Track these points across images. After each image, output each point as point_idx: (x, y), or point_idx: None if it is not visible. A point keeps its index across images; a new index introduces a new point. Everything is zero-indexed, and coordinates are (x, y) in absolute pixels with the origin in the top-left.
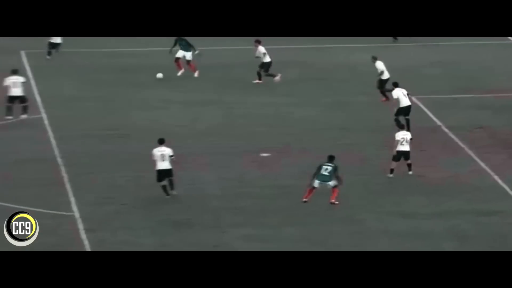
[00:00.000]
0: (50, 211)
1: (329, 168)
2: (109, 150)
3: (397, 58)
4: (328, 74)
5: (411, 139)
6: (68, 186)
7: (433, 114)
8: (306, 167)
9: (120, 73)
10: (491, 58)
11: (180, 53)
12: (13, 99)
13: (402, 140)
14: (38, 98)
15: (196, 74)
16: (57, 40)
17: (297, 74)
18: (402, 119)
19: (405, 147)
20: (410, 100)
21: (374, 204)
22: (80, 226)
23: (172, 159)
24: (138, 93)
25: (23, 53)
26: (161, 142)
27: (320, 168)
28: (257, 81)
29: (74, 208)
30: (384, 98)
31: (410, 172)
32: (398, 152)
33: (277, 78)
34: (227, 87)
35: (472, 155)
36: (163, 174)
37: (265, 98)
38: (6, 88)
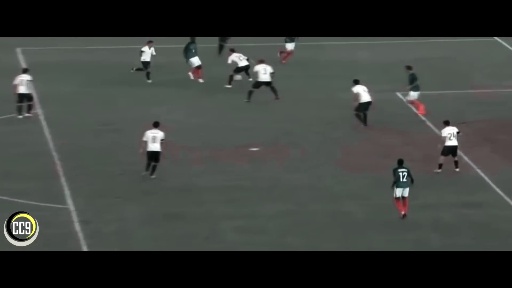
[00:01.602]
0: (46, 204)
1: (405, 173)
2: (103, 144)
3: (384, 55)
4: (318, 71)
5: (458, 132)
6: (63, 180)
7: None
8: (293, 160)
9: (113, 71)
10: (476, 56)
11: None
12: (21, 97)
13: (449, 135)
14: (34, 95)
15: (191, 76)
16: (147, 58)
17: (287, 71)
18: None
19: (453, 142)
20: (371, 96)
21: (360, 198)
22: (75, 218)
23: (162, 142)
24: (132, 90)
25: (18, 50)
26: (155, 125)
27: (396, 174)
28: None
29: (69, 201)
30: (277, 98)
31: (457, 169)
32: (446, 147)
33: (229, 86)
34: (219, 85)
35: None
36: (152, 156)
37: (254, 95)
38: (15, 86)
